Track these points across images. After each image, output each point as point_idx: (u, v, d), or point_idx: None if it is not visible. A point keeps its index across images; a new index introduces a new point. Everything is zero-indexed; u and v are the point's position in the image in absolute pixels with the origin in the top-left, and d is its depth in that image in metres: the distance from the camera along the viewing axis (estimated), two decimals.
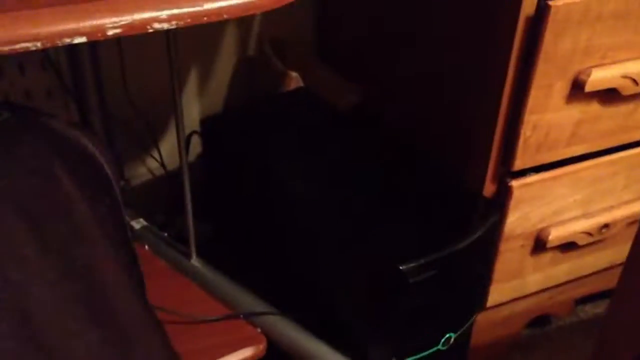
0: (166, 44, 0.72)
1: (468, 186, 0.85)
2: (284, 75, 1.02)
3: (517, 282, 0.92)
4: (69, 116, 0.89)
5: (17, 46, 0.37)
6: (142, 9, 0.40)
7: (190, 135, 1.09)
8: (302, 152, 0.88)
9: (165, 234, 0.92)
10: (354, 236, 0.76)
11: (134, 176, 1.09)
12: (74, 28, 0.38)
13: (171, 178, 1.03)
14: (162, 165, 1.04)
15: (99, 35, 0.39)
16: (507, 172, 0.83)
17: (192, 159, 1.12)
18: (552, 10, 0.71)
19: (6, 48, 0.36)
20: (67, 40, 0.38)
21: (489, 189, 0.84)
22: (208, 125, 0.98)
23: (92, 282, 0.40)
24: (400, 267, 0.69)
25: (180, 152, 0.84)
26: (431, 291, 0.75)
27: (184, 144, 0.84)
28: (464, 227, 0.81)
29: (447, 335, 0.79)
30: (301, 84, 1.03)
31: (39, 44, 0.37)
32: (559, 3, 0.71)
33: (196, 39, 1.02)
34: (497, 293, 0.91)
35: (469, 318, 0.84)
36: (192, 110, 1.10)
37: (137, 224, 0.94)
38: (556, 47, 0.73)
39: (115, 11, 0.39)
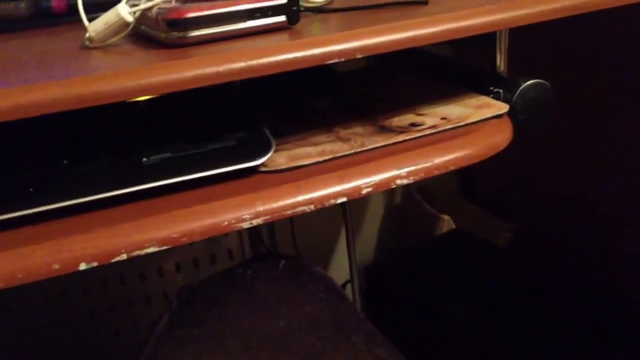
0: (342, 209, 0.80)
1: None
2: (436, 219, 1.07)
3: None
4: None
5: (297, 209, 0.43)
6: (386, 169, 0.47)
7: (345, 284, 1.14)
8: (472, 290, 0.89)
9: None
10: None
11: None
12: (338, 191, 0.45)
13: None
14: None
15: (356, 194, 0.45)
16: None
17: None
18: None
19: (289, 212, 0.43)
20: (332, 201, 0.44)
21: None
22: (370, 273, 1.02)
23: None
24: None
25: (354, 300, 0.88)
26: None
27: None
28: None
29: None
30: (453, 226, 1.07)
31: (312, 207, 0.44)
32: None
33: None
34: None
35: None
36: (344, 261, 1.16)
37: None
38: None
39: (367, 174, 0.46)
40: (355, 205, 1.14)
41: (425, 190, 1.13)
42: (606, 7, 0.56)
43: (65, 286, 0.94)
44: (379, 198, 1.16)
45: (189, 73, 0.42)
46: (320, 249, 1.11)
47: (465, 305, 0.87)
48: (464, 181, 1.17)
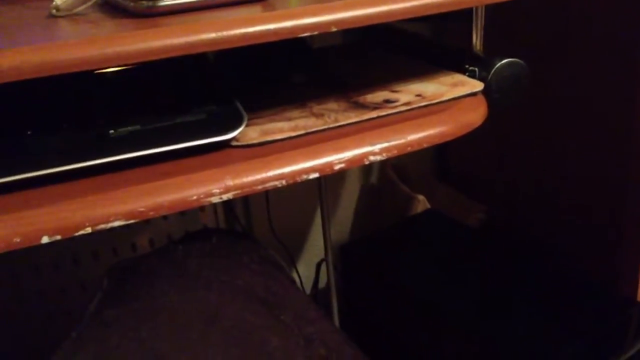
0: (317, 188, 0.79)
1: (619, 293, 0.84)
2: (411, 199, 1.07)
3: None
4: None
5: (268, 184, 0.43)
6: (359, 145, 0.46)
7: (320, 262, 1.14)
8: (444, 269, 0.89)
9: None
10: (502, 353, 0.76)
11: None
12: (310, 166, 0.44)
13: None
14: (303, 289, 1.08)
15: (328, 170, 0.45)
16: None
17: (321, 285, 1.16)
18: None
19: (260, 187, 0.43)
20: (304, 177, 0.44)
21: None
22: (345, 251, 1.02)
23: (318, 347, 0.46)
24: None
25: (329, 278, 0.88)
26: None
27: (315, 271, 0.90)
28: (620, 339, 0.78)
29: None
30: (428, 206, 1.07)
31: (284, 182, 0.43)
32: None
33: None
34: None
35: None
36: (319, 240, 1.16)
37: None
38: None
39: (340, 149, 0.45)
40: (331, 184, 1.14)
41: (400, 170, 1.13)
42: None
43: (36, 262, 0.92)
44: (355, 177, 1.16)
45: (157, 43, 0.41)
46: (296, 227, 1.11)
47: (437, 284, 0.87)
48: (439, 162, 1.17)
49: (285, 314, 0.46)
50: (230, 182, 0.42)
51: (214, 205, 0.96)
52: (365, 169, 1.16)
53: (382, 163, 1.15)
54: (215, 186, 0.42)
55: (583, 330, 0.76)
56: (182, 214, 0.95)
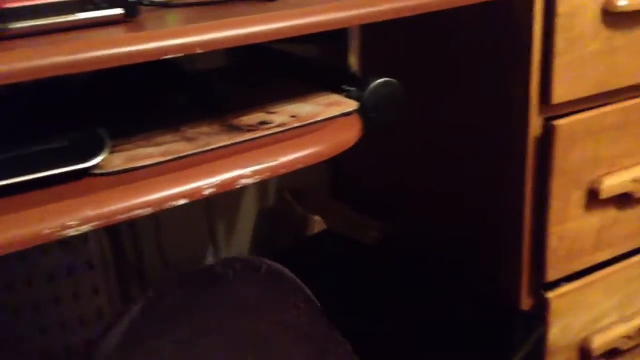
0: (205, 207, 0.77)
1: (503, 302, 0.87)
2: (306, 220, 1.07)
3: None
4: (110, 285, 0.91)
5: (133, 213, 0.41)
6: (230, 169, 0.45)
7: None
8: (341, 288, 0.90)
9: None
10: None
11: None
12: (178, 192, 0.42)
13: None
14: None
15: (197, 195, 0.43)
16: (540, 285, 0.85)
17: None
18: (558, 130, 0.78)
19: (124, 216, 0.40)
20: (172, 203, 0.42)
21: (525, 303, 0.86)
22: None
23: None
24: None
25: None
26: None
27: None
28: (507, 346, 0.81)
29: None
30: (324, 226, 1.08)
31: (150, 209, 0.41)
32: (563, 122, 0.78)
33: (218, 194, 1.08)
34: None
35: None
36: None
37: None
38: (567, 160, 0.80)
39: (209, 173, 0.44)
40: (227, 206, 1.12)
41: (297, 191, 1.13)
42: (452, 6, 0.58)
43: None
44: (251, 199, 1.14)
45: (4, 67, 0.38)
46: (188, 255, 1.07)
47: (335, 303, 0.87)
48: (335, 182, 1.18)
49: (329, 357, 0.45)
50: (89, 213, 0.40)
51: (98, 234, 0.91)
52: (262, 191, 1.15)
53: (278, 184, 1.15)
54: (72, 218, 0.39)
55: (470, 342, 0.79)
56: (66, 246, 0.90)
